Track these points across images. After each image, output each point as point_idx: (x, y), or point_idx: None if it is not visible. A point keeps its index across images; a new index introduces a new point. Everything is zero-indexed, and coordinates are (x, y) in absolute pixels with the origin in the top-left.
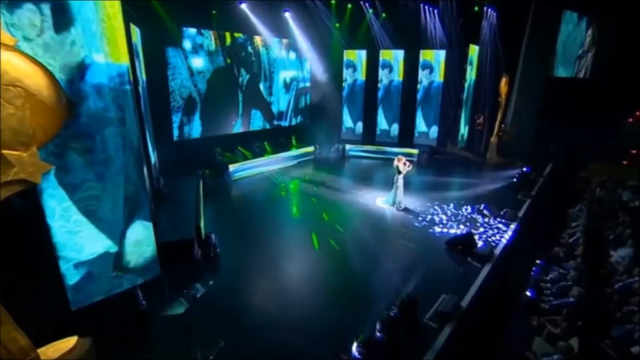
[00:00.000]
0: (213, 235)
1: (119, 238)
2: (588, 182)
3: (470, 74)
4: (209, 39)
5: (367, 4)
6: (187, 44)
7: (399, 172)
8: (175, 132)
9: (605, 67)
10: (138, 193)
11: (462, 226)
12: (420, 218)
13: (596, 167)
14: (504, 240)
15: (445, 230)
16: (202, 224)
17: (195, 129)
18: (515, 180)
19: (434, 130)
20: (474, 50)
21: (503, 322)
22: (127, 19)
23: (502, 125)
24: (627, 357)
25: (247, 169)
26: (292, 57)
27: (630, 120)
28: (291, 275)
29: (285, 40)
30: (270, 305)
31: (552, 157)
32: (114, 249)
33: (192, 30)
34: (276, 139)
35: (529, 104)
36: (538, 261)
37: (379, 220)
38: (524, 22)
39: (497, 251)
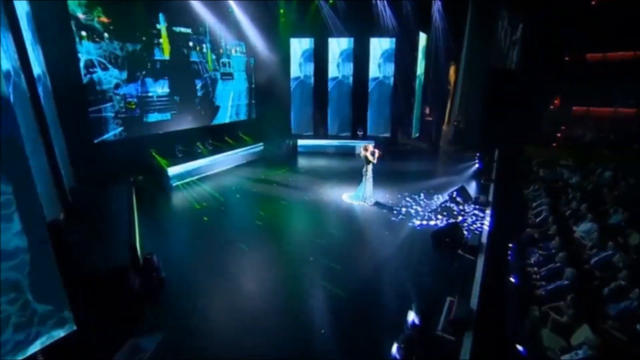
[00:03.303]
0: (154, 257)
1: None
2: (529, 163)
3: (421, 62)
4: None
5: None
6: (102, 20)
7: (368, 163)
8: (96, 132)
9: (531, 60)
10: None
11: (440, 216)
12: (395, 212)
13: (533, 150)
14: (486, 227)
15: (424, 222)
16: (137, 244)
17: (123, 127)
18: (477, 165)
19: (386, 121)
20: (423, 39)
21: (507, 316)
22: None
23: (452, 115)
24: (636, 336)
25: (189, 172)
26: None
27: (552, 107)
28: (260, 297)
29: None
30: (242, 344)
31: (497, 142)
32: None
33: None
34: (221, 136)
35: (475, 93)
36: (510, 244)
37: (352, 219)
38: (466, 10)
39: (484, 239)
